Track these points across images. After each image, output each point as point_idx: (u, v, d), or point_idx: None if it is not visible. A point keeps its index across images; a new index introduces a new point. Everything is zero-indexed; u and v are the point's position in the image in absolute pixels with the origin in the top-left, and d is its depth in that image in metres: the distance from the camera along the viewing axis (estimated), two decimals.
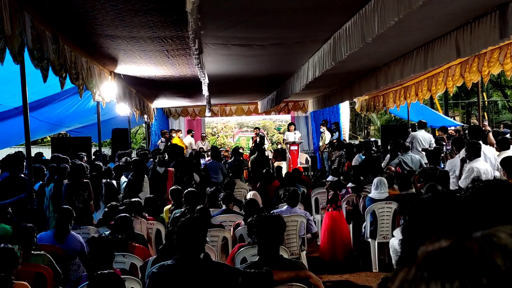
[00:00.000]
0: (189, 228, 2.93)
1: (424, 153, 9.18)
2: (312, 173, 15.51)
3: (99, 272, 2.86)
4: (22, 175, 6.48)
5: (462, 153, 6.63)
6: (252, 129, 16.59)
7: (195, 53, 5.28)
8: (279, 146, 16.05)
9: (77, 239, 5.07)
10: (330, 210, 6.83)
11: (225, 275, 2.88)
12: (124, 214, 4.91)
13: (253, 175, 12.81)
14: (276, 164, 14.28)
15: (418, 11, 5.06)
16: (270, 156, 15.95)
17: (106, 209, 6.15)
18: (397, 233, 5.07)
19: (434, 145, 9.84)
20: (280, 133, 18.54)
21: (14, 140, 12.35)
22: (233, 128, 19.53)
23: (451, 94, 20.88)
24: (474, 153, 6.11)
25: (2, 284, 3.27)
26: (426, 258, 0.54)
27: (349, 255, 6.80)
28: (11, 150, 12.06)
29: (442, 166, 7.64)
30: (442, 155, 9.04)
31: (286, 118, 18.80)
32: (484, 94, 23.73)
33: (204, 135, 17.55)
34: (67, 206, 5.39)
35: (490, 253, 0.49)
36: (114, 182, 7.93)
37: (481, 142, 6.44)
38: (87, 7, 4.86)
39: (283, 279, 3.05)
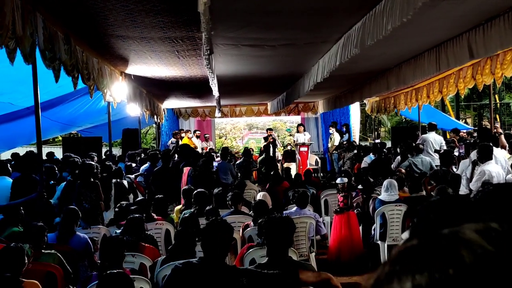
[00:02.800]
0: (216, 231, 2.92)
1: (435, 155, 9.12)
2: (321, 174, 15.46)
3: (108, 272, 2.87)
4: (34, 175, 6.51)
5: (473, 155, 6.57)
6: (265, 130, 16.54)
7: (206, 53, 5.28)
8: (288, 147, 16.01)
9: (81, 241, 5.00)
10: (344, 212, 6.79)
11: (250, 280, 2.87)
12: (136, 215, 4.92)
13: (262, 176, 12.79)
14: (285, 165, 14.25)
15: (429, 12, 5.05)
16: (280, 158, 15.93)
17: (116, 209, 6.18)
18: (406, 235, 5.03)
19: (445, 147, 9.77)
20: (290, 134, 18.48)
21: (24, 139, 12.46)
22: (242, 130, 19.48)
23: (463, 96, 20.70)
24: (485, 156, 6.06)
25: (10, 284, 3.29)
26: (398, 254, 0.58)
27: (359, 257, 6.76)
28: (22, 150, 12.17)
29: (455, 169, 7.57)
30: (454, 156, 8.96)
31: (296, 119, 18.73)
32: (496, 96, 23.53)
33: (207, 136, 17.52)
34: (72, 207, 5.38)
35: (456, 247, 0.53)
36: (124, 182, 7.96)
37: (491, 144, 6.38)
38: (99, 7, 4.89)
39: (309, 279, 3.03)
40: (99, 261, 4.75)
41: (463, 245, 0.54)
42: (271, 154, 14.04)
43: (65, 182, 7.19)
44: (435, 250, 0.55)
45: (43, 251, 4.23)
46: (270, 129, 16.20)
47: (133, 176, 9.08)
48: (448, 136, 13.72)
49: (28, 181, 6.35)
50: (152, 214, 6.10)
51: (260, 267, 3.13)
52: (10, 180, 6.81)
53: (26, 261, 3.52)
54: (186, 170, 8.43)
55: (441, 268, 0.52)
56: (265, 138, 15.52)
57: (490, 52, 5.89)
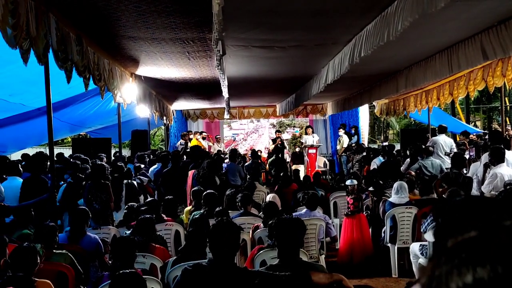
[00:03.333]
0: (223, 232, 2.91)
1: (445, 158, 9.06)
2: (330, 176, 15.43)
3: (121, 272, 2.88)
4: (43, 176, 6.54)
5: (484, 158, 6.52)
6: (275, 131, 16.56)
7: (218, 55, 5.29)
8: (297, 149, 15.99)
9: (92, 241, 5.03)
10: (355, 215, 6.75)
11: (261, 282, 2.86)
12: (147, 216, 4.93)
13: (271, 178, 12.80)
14: (293, 167, 14.23)
15: (440, 14, 5.02)
16: (288, 159, 15.92)
17: (125, 210, 6.19)
18: (429, 236, 5.00)
19: (455, 150, 9.72)
20: (299, 136, 18.47)
21: (35, 140, 12.54)
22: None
23: (472, 98, 20.58)
24: (497, 158, 6.02)
25: (23, 284, 3.30)
26: (457, 247, 0.56)
27: (369, 259, 6.73)
28: (32, 151, 12.25)
29: (465, 171, 7.52)
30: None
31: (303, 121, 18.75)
32: (506, 99, 23.34)
33: (219, 137, 17.54)
34: (82, 207, 5.39)
35: None
36: (135, 182, 7.99)
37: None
38: (111, 8, 4.92)
39: (320, 280, 3.02)
40: (109, 262, 4.77)
41: None
42: (279, 156, 14.04)
43: (65, 184, 7.23)
44: (497, 242, 0.53)
45: (54, 251, 4.25)
46: (279, 131, 16.19)
47: (146, 179, 9.08)
48: (458, 139, 13.61)
49: (38, 181, 6.37)
50: (162, 215, 6.11)
51: (271, 269, 3.12)
52: (21, 180, 6.85)
53: (39, 261, 3.54)
54: (191, 173, 8.44)
55: (504, 261, 0.50)
56: (274, 140, 15.52)
57: (504, 54, 5.84)
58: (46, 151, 7.56)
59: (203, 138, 16.22)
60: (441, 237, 1.16)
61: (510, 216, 0.58)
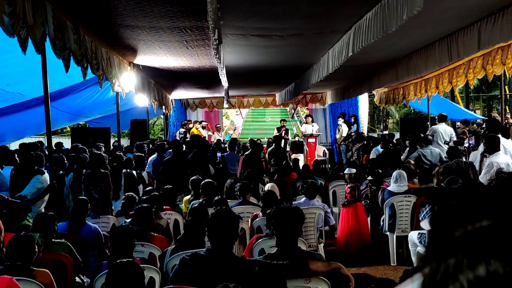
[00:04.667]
0: (222, 221, 2.91)
1: (445, 146, 9.05)
2: (329, 165, 15.43)
3: (118, 261, 2.88)
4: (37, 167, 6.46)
5: (482, 147, 6.52)
6: (280, 120, 16.56)
7: (214, 43, 5.25)
8: (296, 138, 15.98)
9: (92, 230, 5.07)
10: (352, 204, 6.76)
11: (260, 270, 2.87)
12: (145, 205, 4.93)
13: (270, 167, 12.78)
14: (293, 156, 14.23)
15: (439, 2, 4.99)
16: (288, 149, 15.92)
17: (123, 201, 6.19)
18: (425, 224, 5.01)
19: (455, 138, 9.70)
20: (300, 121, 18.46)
21: (33, 129, 12.53)
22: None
23: (472, 87, 20.51)
24: (493, 147, 6.01)
25: (21, 272, 3.31)
26: (467, 236, 0.52)
27: (367, 248, 6.76)
28: (30, 140, 12.26)
29: (464, 160, 7.52)
30: (463, 149, 8.90)
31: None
32: (506, 87, 23.28)
33: (219, 126, 17.52)
34: (82, 197, 5.39)
35: None
36: (134, 172, 7.99)
37: (500, 135, 6.32)
38: None
39: (318, 268, 3.03)
40: (108, 251, 4.79)
41: None
42: (282, 145, 14.03)
43: (72, 173, 7.22)
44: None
45: (53, 240, 4.26)
46: (284, 120, 16.17)
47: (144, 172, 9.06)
48: (456, 126, 13.59)
49: (27, 171, 6.23)
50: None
51: (269, 258, 3.13)
52: None
53: (37, 250, 3.54)
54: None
55: None
56: (278, 129, 15.51)
57: (499, 42, 5.82)
58: (45, 140, 7.52)
59: (203, 128, 16.21)
60: (437, 225, 1.15)
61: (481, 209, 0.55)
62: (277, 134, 15.05)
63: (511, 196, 1.22)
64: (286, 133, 14.98)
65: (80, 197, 5.37)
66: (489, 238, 0.49)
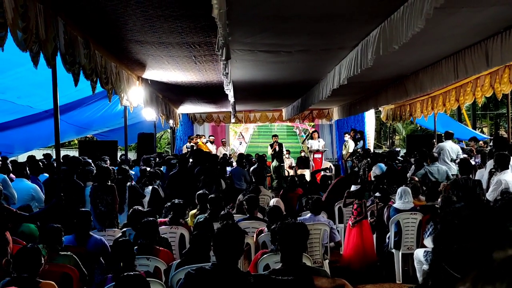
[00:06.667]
0: (227, 236, 2.92)
1: (451, 164, 9.02)
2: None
3: (125, 274, 2.89)
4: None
5: (489, 164, 6.49)
6: (272, 136, 16.60)
7: (223, 60, 5.31)
8: (302, 154, 15.99)
9: (98, 242, 5.08)
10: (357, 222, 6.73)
11: (263, 286, 2.87)
12: (150, 218, 4.95)
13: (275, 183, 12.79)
14: (299, 172, 14.22)
15: (446, 20, 5.03)
16: (293, 164, 15.91)
17: (128, 213, 6.21)
18: (428, 242, 4.98)
19: (461, 156, 9.67)
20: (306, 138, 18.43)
21: (42, 142, 12.63)
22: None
23: (480, 105, 20.50)
24: (502, 165, 5.99)
25: (28, 284, 3.33)
26: (506, 263, 0.52)
27: (373, 265, 6.71)
28: (39, 153, 12.35)
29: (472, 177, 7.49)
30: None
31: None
32: None
33: (224, 140, 17.56)
34: (85, 210, 5.41)
35: None
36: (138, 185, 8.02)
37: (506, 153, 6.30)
38: (119, 13, 4.96)
39: (323, 285, 3.02)
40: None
41: None
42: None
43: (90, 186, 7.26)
44: None
45: (59, 252, 4.28)
46: (275, 136, 16.21)
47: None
48: (465, 144, 13.55)
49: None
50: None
51: (274, 273, 3.13)
52: (29, 182, 6.89)
53: (43, 262, 3.56)
54: None
55: None
56: (271, 145, 15.55)
57: (507, 61, 5.84)
58: (53, 153, 7.54)
59: (211, 142, 16.27)
60: (440, 244, 1.16)
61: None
62: (271, 151, 15.07)
63: None
64: (280, 148, 15.00)
65: (83, 210, 5.37)
66: None
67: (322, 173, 11.44)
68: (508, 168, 6.00)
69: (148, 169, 9.64)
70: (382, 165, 10.23)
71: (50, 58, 4.42)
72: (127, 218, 6.22)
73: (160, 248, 4.78)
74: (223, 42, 4.42)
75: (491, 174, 6.21)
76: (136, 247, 4.61)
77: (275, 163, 13.39)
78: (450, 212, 1.22)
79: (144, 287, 2.83)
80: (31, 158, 8.89)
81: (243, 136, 17.75)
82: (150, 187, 8.28)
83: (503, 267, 0.52)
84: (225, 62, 5.47)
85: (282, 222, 3.44)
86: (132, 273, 2.91)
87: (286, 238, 3.21)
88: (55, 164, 6.71)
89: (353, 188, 7.06)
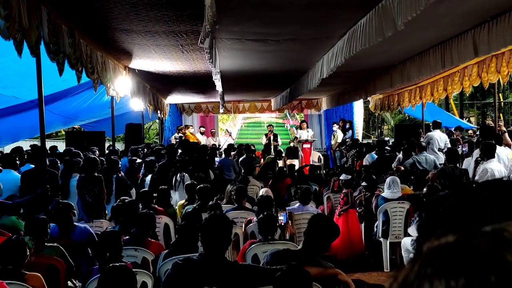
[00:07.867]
0: (215, 226, 2.89)
1: (439, 153, 9.07)
2: (324, 171, 15.44)
3: (111, 265, 2.87)
4: (50, 168, 6.48)
5: (476, 153, 6.53)
6: (267, 126, 16.57)
7: (207, 48, 5.25)
8: (291, 144, 15.99)
9: (84, 231, 5.01)
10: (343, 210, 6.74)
11: (251, 276, 2.85)
12: (148, 211, 4.92)
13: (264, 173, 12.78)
14: (288, 162, 14.22)
15: (434, 9, 5.00)
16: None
17: (114, 204, 6.15)
18: (412, 230, 5.01)
19: (449, 145, 9.73)
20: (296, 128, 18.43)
21: (28, 133, 12.48)
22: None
23: (467, 94, 20.65)
24: (488, 154, 6.03)
25: (13, 276, 3.29)
26: (431, 253, 0.50)
27: (361, 254, 6.75)
28: (25, 143, 12.20)
29: (459, 166, 7.54)
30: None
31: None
32: (501, 95, 23.43)
33: (214, 131, 17.49)
34: (65, 201, 5.34)
35: (500, 249, 0.46)
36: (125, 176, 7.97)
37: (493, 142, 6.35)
38: (103, 0, 4.88)
39: (312, 273, 3.01)
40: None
41: (509, 247, 0.46)
42: (272, 152, 14.04)
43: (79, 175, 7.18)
44: (474, 251, 0.47)
45: (45, 244, 4.23)
46: (271, 125, 16.18)
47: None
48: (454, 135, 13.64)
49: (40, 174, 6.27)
50: (154, 206, 6.12)
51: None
52: (16, 173, 6.81)
53: (28, 254, 3.52)
54: None
55: (481, 274, 0.44)
56: (266, 135, 15.52)
57: (494, 50, 5.85)
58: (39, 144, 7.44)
59: (201, 133, 16.20)
60: (423, 232, 1.14)
61: (492, 220, 0.54)
62: (265, 141, 15.07)
63: (500, 204, 1.21)
64: (275, 139, 14.94)
65: (62, 201, 5.30)
66: (450, 255, 0.48)
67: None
68: (494, 157, 6.04)
69: (138, 160, 9.59)
70: (374, 154, 10.29)
71: (34, 47, 4.34)
72: (112, 209, 6.17)
73: (152, 240, 4.74)
74: (209, 30, 4.36)
75: (477, 163, 6.24)
76: (127, 237, 4.59)
77: (268, 159, 13.34)
78: (434, 200, 1.20)
79: (130, 278, 2.81)
80: (16, 149, 8.76)
81: (230, 133, 17.69)
82: (149, 176, 8.27)
83: (424, 262, 0.51)
84: (209, 50, 5.40)
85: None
86: (118, 264, 2.88)
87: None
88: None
89: (343, 177, 7.06)
